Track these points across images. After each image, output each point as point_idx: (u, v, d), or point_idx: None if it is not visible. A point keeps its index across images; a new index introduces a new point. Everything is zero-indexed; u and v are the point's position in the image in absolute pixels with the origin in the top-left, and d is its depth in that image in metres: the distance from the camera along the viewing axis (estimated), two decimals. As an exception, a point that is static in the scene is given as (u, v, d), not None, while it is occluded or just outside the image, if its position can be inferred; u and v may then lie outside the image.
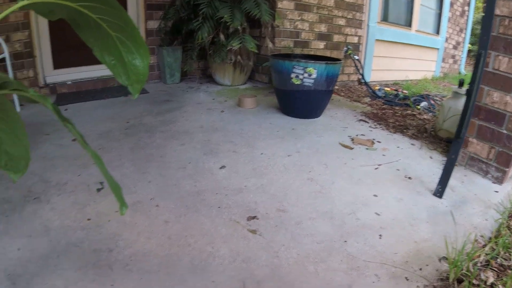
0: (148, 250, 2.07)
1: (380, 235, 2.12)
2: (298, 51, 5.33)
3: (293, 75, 3.78)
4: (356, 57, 6.13)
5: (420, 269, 1.88)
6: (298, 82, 3.76)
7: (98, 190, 2.61)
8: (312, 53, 5.32)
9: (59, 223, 2.29)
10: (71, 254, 2.08)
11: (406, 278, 1.83)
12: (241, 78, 5.23)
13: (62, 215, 2.38)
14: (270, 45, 4.91)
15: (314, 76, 3.67)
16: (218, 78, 5.26)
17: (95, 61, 4.91)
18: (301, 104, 3.95)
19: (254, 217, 2.25)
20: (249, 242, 2.07)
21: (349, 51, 6.03)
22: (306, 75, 3.75)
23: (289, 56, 4.32)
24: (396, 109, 4.66)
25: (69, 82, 5.00)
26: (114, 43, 1.12)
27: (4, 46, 4.05)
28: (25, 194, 2.61)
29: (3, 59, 3.93)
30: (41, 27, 4.82)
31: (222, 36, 4.78)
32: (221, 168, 2.80)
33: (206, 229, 2.21)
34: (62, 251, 2.09)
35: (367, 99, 5.19)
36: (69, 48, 5.02)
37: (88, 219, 2.32)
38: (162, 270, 1.95)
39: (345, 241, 2.09)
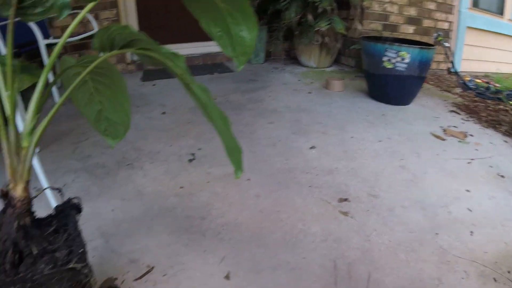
0: (240, 221, 2.08)
1: (471, 232, 2.05)
2: (386, 34, 5.15)
3: (385, 59, 3.67)
4: (447, 44, 5.63)
5: (509, 271, 1.80)
6: (390, 66, 3.64)
7: (190, 161, 2.64)
8: (401, 37, 5.08)
9: (151, 189, 2.32)
10: (164, 219, 2.12)
11: (494, 279, 1.76)
12: (327, 60, 5.13)
13: (155, 182, 2.41)
14: (359, 27, 4.75)
15: (407, 60, 3.53)
16: (303, 60, 5.18)
17: (180, 40, 4.97)
18: (392, 89, 3.82)
19: (345, 199, 2.23)
20: (340, 223, 2.05)
21: (439, 38, 5.56)
22: (399, 59, 3.63)
23: (379, 40, 4.18)
24: (488, 103, 4.43)
25: (129, 61, 5.06)
26: (221, 15, 1.10)
27: (94, 23, 4.18)
28: (118, 160, 2.66)
29: (93, 36, 4.01)
30: (128, 5, 4.89)
31: (310, 17, 4.68)
32: (311, 148, 2.77)
33: (297, 207, 2.19)
34: (155, 215, 2.12)
35: (458, 90, 4.94)
36: (154, 27, 5.11)
37: (181, 187, 2.34)
38: (254, 242, 1.95)
39: (437, 234, 2.03)
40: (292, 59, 5.65)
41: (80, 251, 1.09)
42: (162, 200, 2.30)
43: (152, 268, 1.80)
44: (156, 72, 4.86)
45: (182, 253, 1.89)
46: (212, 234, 2.01)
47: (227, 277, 1.75)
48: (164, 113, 3.60)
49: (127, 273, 1.78)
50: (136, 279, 1.75)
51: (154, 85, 4.46)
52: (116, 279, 1.76)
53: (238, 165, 1.11)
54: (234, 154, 1.10)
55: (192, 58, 5.14)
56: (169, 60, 1.05)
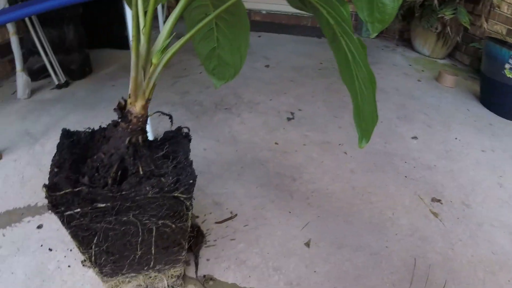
0: (330, 191, 2.02)
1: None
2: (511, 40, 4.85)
3: (507, 66, 3.41)
4: None
5: None
6: (511, 76, 3.40)
7: (288, 119, 2.59)
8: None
9: (247, 138, 2.30)
10: (255, 170, 2.09)
11: None
12: (442, 51, 4.88)
13: (251, 131, 2.38)
14: (485, 25, 4.48)
15: (533, 74, 3.28)
16: (417, 45, 4.95)
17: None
18: (507, 101, 3.57)
19: (438, 200, 2.12)
20: (429, 223, 1.96)
21: None
22: (523, 70, 3.38)
23: (504, 44, 3.91)
24: None
25: (264, 12, 4.99)
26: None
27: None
28: (216, 102, 2.65)
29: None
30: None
31: (435, 1, 4.44)
32: (413, 138, 2.66)
33: (390, 193, 2.12)
34: (246, 164, 2.10)
35: None
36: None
37: (276, 143, 2.30)
38: (341, 216, 1.91)
39: (519, 263, 1.88)
40: (404, 41, 5.41)
41: (189, 182, 1.05)
42: (256, 151, 2.27)
43: (235, 215, 1.78)
44: (263, 24, 4.82)
45: (268, 208, 1.86)
46: (300, 197, 1.96)
47: (307, 244, 1.71)
48: (267, 66, 3.56)
49: (209, 214, 1.77)
50: (217, 222, 1.74)
51: (259, 36, 4.42)
52: (197, 217, 1.75)
53: (367, 134, 1.03)
54: (367, 121, 1.02)
55: (300, 17, 5.05)
56: (326, 6, 0.96)
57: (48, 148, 2.25)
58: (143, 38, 1.03)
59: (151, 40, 1.05)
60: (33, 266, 1.58)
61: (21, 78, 2.74)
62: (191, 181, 1.05)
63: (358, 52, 0.96)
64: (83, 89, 3.02)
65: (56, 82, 2.98)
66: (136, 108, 1.08)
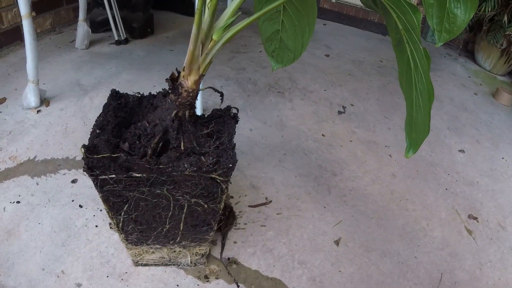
0: (369, 192, 2.00)
1: None
2: None
3: None
4: None
5: None
6: None
7: (339, 112, 2.55)
8: None
9: (294, 125, 2.28)
10: (297, 159, 2.08)
11: None
12: (503, 68, 4.74)
13: (300, 119, 2.36)
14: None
15: None
16: (479, 58, 4.82)
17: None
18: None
19: (475, 218, 2.07)
20: (461, 240, 1.91)
21: None
22: None
23: None
24: None
25: (333, 0, 4.91)
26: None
27: None
28: (271, 84, 2.62)
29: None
30: None
31: (506, 17, 4.30)
32: (460, 151, 2.58)
33: (427, 204, 2.07)
34: (289, 151, 2.09)
35: None
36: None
37: (323, 135, 2.27)
38: (375, 219, 1.88)
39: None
40: (468, 52, 5.28)
41: (228, 165, 1.03)
42: (302, 139, 2.25)
43: (270, 202, 1.77)
44: (330, 12, 4.74)
45: (303, 200, 1.84)
46: (337, 194, 1.93)
47: (336, 242, 1.69)
48: (327, 55, 3.51)
49: (244, 196, 1.76)
50: (251, 206, 1.73)
51: (325, 24, 4.37)
52: (232, 197, 1.74)
53: (415, 145, 0.99)
54: (417, 132, 0.98)
55: (368, 11, 4.94)
56: (398, 10, 0.92)
57: (96, 102, 2.26)
58: (207, 12, 1.00)
59: (215, 15, 1.02)
60: (61, 220, 1.60)
61: (82, 28, 2.76)
62: (230, 165, 1.03)
63: (422, 62, 0.91)
64: (141, 49, 3.03)
65: (116, 38, 3.00)
66: (188, 82, 1.06)
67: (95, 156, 0.99)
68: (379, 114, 2.70)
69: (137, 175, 1.00)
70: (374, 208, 1.92)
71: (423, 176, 2.24)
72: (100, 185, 1.02)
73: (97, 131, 1.09)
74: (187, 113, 1.10)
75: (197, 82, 1.08)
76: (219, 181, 1.06)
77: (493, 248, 1.90)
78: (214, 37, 1.05)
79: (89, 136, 1.61)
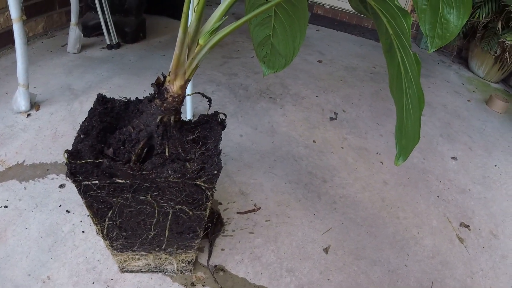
0: (359, 200, 1.99)
1: None
2: None
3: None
4: None
5: None
6: None
7: (331, 119, 2.54)
8: None
9: (285, 131, 2.27)
10: (287, 165, 2.08)
11: None
12: (497, 75, 4.75)
13: (291, 125, 2.36)
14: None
15: None
16: (472, 65, 4.84)
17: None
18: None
19: (467, 226, 2.06)
20: (453, 248, 1.91)
21: None
22: None
23: None
24: None
25: (327, 6, 4.94)
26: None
27: None
28: (262, 90, 2.62)
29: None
30: None
31: (500, 24, 4.31)
32: (452, 158, 2.58)
33: (418, 211, 2.07)
34: (280, 158, 2.09)
35: None
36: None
37: (314, 141, 2.27)
38: (365, 226, 1.87)
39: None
40: (461, 58, 5.29)
41: (213, 172, 1.02)
42: (292, 146, 2.24)
43: (259, 208, 1.76)
44: (323, 18, 4.78)
45: (292, 207, 1.83)
46: (327, 201, 1.92)
47: (325, 250, 1.68)
48: (320, 61, 3.51)
49: (233, 202, 1.75)
50: (239, 213, 1.72)
51: (318, 30, 4.38)
52: (220, 204, 1.73)
53: (405, 152, 0.98)
54: (408, 139, 0.97)
55: (362, 18, 4.97)
56: (388, 14, 0.91)
57: (86, 107, 2.25)
58: (194, 16, 0.99)
59: (202, 19, 1.01)
60: (48, 225, 1.59)
61: (74, 32, 2.75)
62: (215, 172, 1.01)
63: (412, 68, 0.90)
64: (133, 53, 3.02)
65: (108, 42, 2.99)
66: (174, 87, 1.05)
67: (78, 161, 0.97)
68: (371, 120, 2.70)
69: (121, 181, 0.98)
70: (365, 216, 1.91)
71: (414, 183, 2.24)
72: (83, 191, 1.01)
73: (81, 136, 1.08)
74: (172, 118, 1.09)
75: (183, 87, 1.07)
76: (203, 188, 1.05)
77: (485, 257, 1.90)
78: (201, 41, 1.04)
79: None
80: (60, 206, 1.66)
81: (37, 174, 1.78)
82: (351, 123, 2.61)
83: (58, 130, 2.04)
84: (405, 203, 2.09)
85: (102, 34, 3.03)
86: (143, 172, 1.00)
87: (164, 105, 1.08)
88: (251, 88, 2.71)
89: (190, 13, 0.99)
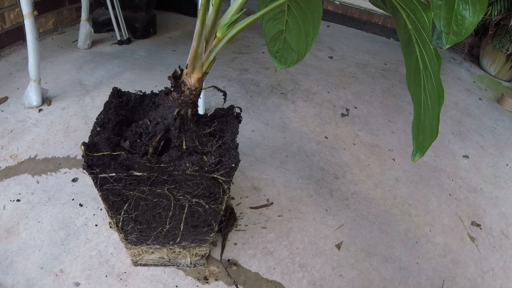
0: (371, 196, 1.98)
1: None
2: None
3: None
4: None
5: None
6: None
7: (343, 115, 2.53)
8: None
9: (297, 126, 2.27)
10: (299, 161, 2.08)
11: None
12: (509, 74, 4.71)
13: (302, 121, 2.35)
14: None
15: None
16: (484, 63, 4.80)
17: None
18: None
19: (478, 225, 2.05)
20: (464, 247, 1.89)
21: None
22: None
23: None
24: None
25: (337, 2, 4.93)
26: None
27: None
28: (273, 85, 2.62)
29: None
30: None
31: (512, 22, 4.28)
32: (464, 156, 2.57)
33: (430, 209, 2.05)
34: (291, 153, 2.09)
35: None
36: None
37: (326, 137, 2.26)
38: (377, 223, 1.87)
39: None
40: (472, 56, 5.25)
41: (231, 165, 1.01)
42: (304, 142, 2.24)
43: (271, 203, 1.76)
44: (334, 14, 4.76)
45: (304, 202, 1.83)
46: (339, 197, 1.92)
47: (338, 246, 1.67)
48: (331, 57, 3.50)
49: (245, 197, 1.75)
50: (252, 208, 1.72)
51: (328, 26, 4.36)
52: (233, 198, 1.73)
53: (422, 149, 0.97)
54: (425, 135, 0.96)
55: (373, 14, 4.95)
56: (408, 8, 0.90)
57: (98, 102, 2.25)
58: (211, 9, 0.99)
59: (219, 12, 1.00)
60: (60, 218, 1.59)
61: (84, 28, 2.75)
62: (233, 165, 1.01)
63: (432, 63, 0.89)
64: (143, 49, 3.02)
65: (118, 38, 2.99)
66: (191, 80, 1.05)
67: (95, 154, 0.97)
68: (383, 117, 2.69)
69: (138, 174, 0.98)
70: (377, 213, 1.91)
71: (426, 181, 2.23)
72: (99, 184, 1.00)
73: (98, 129, 1.07)
74: (189, 111, 1.09)
75: (200, 80, 1.07)
76: (221, 181, 1.04)
77: (496, 257, 1.89)
78: (218, 34, 1.03)
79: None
80: (73, 200, 1.66)
81: (49, 168, 1.79)
82: (363, 120, 2.60)
83: (70, 124, 2.04)
84: (417, 201, 2.07)
85: (113, 29, 3.03)
86: (161, 165, 1.00)
87: (181, 98, 1.07)
88: (262, 84, 2.71)
89: (208, 5, 0.99)
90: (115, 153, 1.00)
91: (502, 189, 2.35)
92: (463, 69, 4.25)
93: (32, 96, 2.08)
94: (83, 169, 0.97)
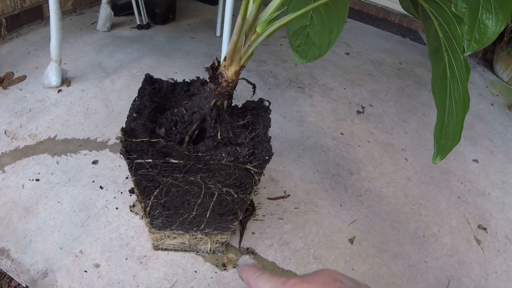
0: (384, 194, 2.02)
1: None
2: None
3: None
4: None
5: None
6: None
7: (358, 112, 2.56)
8: None
9: (313, 121, 2.29)
10: (315, 155, 2.11)
11: None
12: (522, 81, 4.74)
13: (319, 115, 2.38)
14: None
15: None
16: (497, 68, 4.80)
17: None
18: None
19: (484, 229, 2.08)
20: (470, 248, 1.93)
21: None
22: None
23: None
24: None
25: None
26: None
27: None
28: (291, 79, 2.64)
29: None
30: None
31: (525, 28, 4.30)
32: (473, 160, 2.59)
33: (439, 210, 2.09)
34: (308, 147, 2.12)
35: None
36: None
37: (341, 133, 2.29)
38: (388, 220, 1.90)
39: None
40: (486, 61, 5.24)
41: (264, 158, 1.04)
42: (320, 136, 2.27)
43: (288, 195, 1.79)
44: (351, 10, 4.75)
45: (320, 196, 1.86)
46: (353, 193, 1.95)
47: (351, 240, 1.71)
48: (347, 54, 3.51)
49: (263, 188, 1.78)
50: (270, 199, 1.75)
51: (345, 22, 4.34)
52: (252, 189, 1.74)
53: (443, 152, 1.00)
54: (448, 139, 0.99)
55: (389, 12, 4.94)
56: (441, 18, 0.93)
57: (118, 85, 2.27)
58: (253, 4, 1.00)
59: (261, 7, 1.03)
60: (81, 200, 1.61)
61: (104, 11, 2.76)
62: (266, 158, 1.04)
63: (460, 72, 0.92)
64: (162, 35, 3.04)
65: (138, 22, 3.00)
66: (229, 72, 1.07)
67: (134, 140, 1.00)
68: (397, 117, 2.71)
69: (174, 161, 1.00)
70: (388, 210, 1.94)
71: (437, 182, 2.25)
72: (134, 169, 1.03)
73: (134, 114, 1.10)
74: (225, 103, 1.11)
75: (237, 73, 1.09)
76: (253, 172, 1.07)
77: (500, 260, 1.92)
78: (258, 29, 1.05)
79: (110, 118, 1.61)
80: (93, 182, 1.69)
81: (69, 149, 1.81)
82: (378, 118, 2.62)
83: (90, 107, 2.07)
84: (427, 201, 2.10)
85: (132, 14, 3.04)
86: (198, 154, 1.02)
87: (218, 89, 1.10)
88: (280, 76, 2.73)
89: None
90: (153, 140, 1.02)
91: (509, 195, 2.38)
92: (476, 73, 4.26)
93: (52, 76, 2.10)
94: (121, 154, 0.99)
